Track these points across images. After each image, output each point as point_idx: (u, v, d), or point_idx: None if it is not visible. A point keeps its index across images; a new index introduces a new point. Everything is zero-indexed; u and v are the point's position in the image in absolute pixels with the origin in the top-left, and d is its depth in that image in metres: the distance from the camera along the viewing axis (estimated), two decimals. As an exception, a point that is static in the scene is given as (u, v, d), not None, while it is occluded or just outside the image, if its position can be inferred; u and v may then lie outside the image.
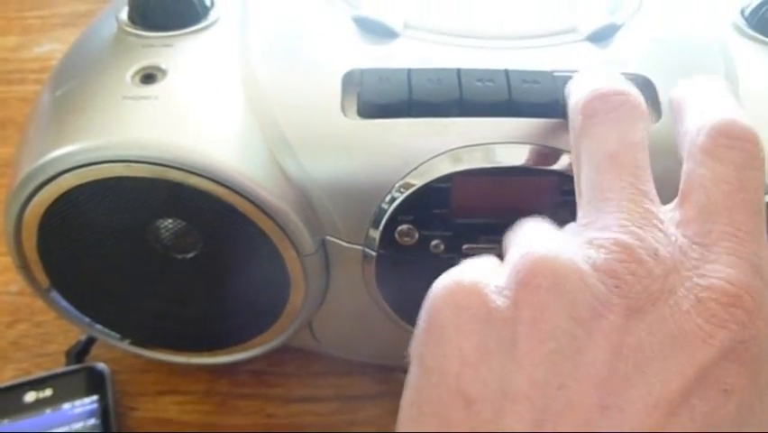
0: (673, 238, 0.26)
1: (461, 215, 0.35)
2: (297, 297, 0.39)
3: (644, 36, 0.39)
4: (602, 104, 0.29)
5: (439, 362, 0.26)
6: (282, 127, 0.35)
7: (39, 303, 0.42)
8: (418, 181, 0.34)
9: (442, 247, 0.36)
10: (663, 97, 0.36)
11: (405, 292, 0.38)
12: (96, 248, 0.39)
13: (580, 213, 0.27)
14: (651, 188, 0.27)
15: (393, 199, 0.35)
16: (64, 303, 0.41)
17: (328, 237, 0.37)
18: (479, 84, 0.35)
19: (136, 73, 0.36)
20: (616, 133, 0.28)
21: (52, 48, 0.70)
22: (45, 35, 0.68)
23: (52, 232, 0.37)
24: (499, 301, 0.26)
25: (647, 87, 0.36)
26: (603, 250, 0.25)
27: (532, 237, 0.28)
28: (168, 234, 0.39)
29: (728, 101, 0.29)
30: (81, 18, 0.73)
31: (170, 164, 0.34)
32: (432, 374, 0.26)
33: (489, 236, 0.36)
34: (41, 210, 0.36)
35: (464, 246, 0.36)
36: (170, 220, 0.38)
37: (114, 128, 0.34)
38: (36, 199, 0.35)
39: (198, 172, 0.34)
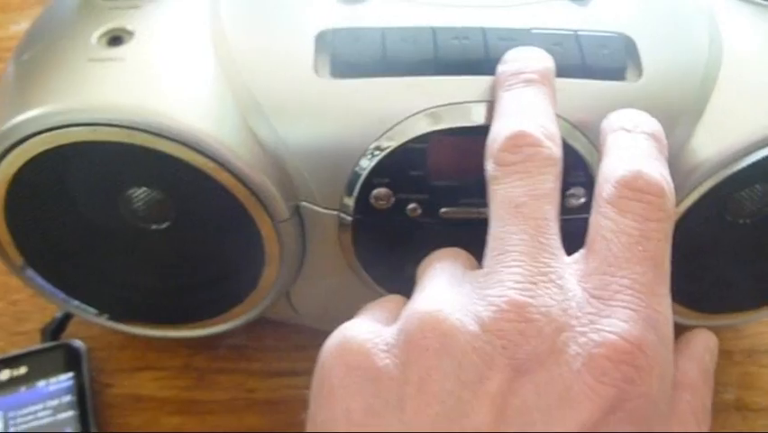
0: (571, 294, 0.25)
1: (437, 176, 0.34)
2: (272, 265, 0.38)
3: (626, -6, 0.38)
4: (513, 155, 0.29)
5: (328, 422, 0.26)
6: (254, 89, 0.34)
7: (14, 281, 0.41)
8: (393, 142, 0.33)
9: (419, 211, 0.35)
10: (645, 56, 0.35)
11: (383, 258, 0.38)
12: (68, 219, 0.38)
13: (483, 263, 0.27)
14: (555, 241, 0.27)
15: (368, 162, 0.34)
16: (39, 280, 0.40)
17: (303, 203, 0.36)
18: (454, 42, 0.34)
19: (102, 35, 0.35)
20: (523, 183, 0.28)
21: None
22: (23, 13, 0.66)
23: (21, 202, 0.36)
24: (388, 360, 0.26)
25: (628, 46, 0.36)
26: (493, 308, 0.25)
27: (429, 290, 0.28)
28: (140, 203, 0.38)
29: (644, 146, 0.29)
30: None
31: (139, 127, 0.33)
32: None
33: (467, 199, 0.35)
34: (9, 177, 0.35)
35: (442, 210, 0.35)
36: (142, 189, 0.38)
37: (79, 91, 0.33)
38: (3, 167, 0.34)
39: (167, 136, 0.33)
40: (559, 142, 0.30)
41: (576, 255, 0.27)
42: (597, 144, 0.34)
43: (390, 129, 0.33)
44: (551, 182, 0.28)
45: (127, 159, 0.34)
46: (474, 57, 0.34)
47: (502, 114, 0.31)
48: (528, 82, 0.32)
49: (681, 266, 0.38)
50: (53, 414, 0.41)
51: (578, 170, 0.34)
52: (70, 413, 0.42)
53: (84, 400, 0.42)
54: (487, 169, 0.30)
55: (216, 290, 0.41)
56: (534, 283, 0.25)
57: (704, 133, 0.35)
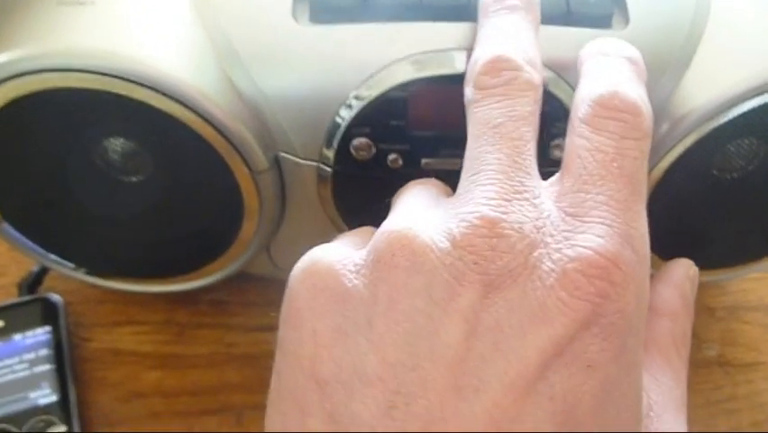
0: (546, 213, 0.25)
1: (418, 126, 0.34)
2: (251, 218, 0.37)
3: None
4: (493, 78, 0.28)
5: (295, 345, 0.26)
6: (231, 36, 0.33)
7: (-10, 235, 0.40)
8: (373, 91, 0.33)
9: (400, 162, 0.34)
10: (631, 4, 0.34)
11: (364, 210, 0.37)
12: (43, 170, 0.37)
13: (458, 184, 0.27)
14: (530, 162, 0.26)
15: (347, 111, 0.33)
16: (15, 233, 0.40)
17: (282, 153, 0.35)
18: (438, -13, 0.33)
19: (73, -22, 0.34)
20: (502, 105, 0.27)
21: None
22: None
23: (-7, 152, 0.35)
24: (357, 281, 0.25)
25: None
26: (465, 224, 0.24)
27: (401, 210, 0.28)
28: (116, 155, 0.38)
29: (621, 68, 0.29)
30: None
31: (112, 74, 0.32)
32: (288, 357, 0.26)
33: (450, 150, 0.34)
34: (-22, 127, 0.34)
35: (423, 161, 0.34)
36: (118, 140, 0.37)
37: (50, 36, 0.32)
38: (-28, 115, 0.34)
39: (142, 83, 0.32)
40: (540, 67, 0.29)
41: (552, 178, 0.27)
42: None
43: (371, 77, 0.33)
44: (530, 105, 0.27)
45: (101, 107, 0.33)
46: (458, 2, 0.33)
47: (483, 39, 0.30)
48: (511, 9, 0.31)
49: (665, 221, 0.38)
50: (29, 367, 0.41)
51: (562, 121, 0.33)
52: (47, 367, 0.41)
53: (61, 354, 0.42)
54: (466, 93, 0.29)
55: (196, 244, 0.40)
56: (508, 200, 0.25)
57: (691, 84, 0.34)
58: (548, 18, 0.33)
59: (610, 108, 0.26)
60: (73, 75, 0.32)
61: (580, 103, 0.27)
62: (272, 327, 0.44)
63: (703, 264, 0.42)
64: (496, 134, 0.26)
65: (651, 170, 0.36)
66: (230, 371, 0.43)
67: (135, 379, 0.43)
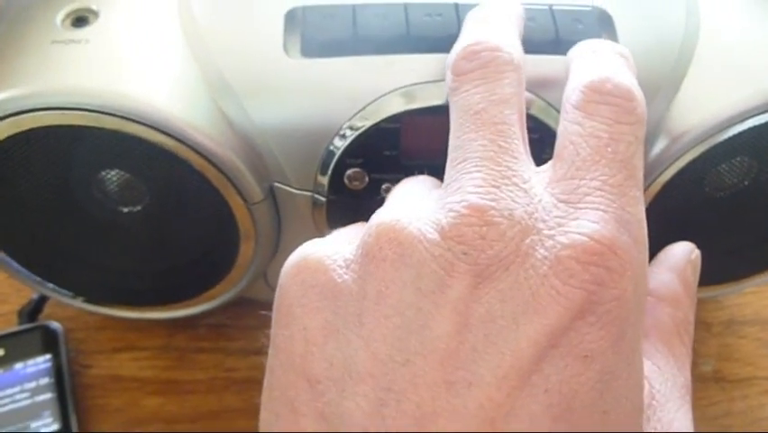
0: (537, 198, 0.24)
1: (411, 156, 0.34)
2: (247, 246, 0.38)
3: (601, -34, 0.37)
4: (470, 62, 0.27)
5: (286, 342, 0.25)
6: (223, 69, 0.33)
7: (-11, 263, 0.41)
8: (366, 122, 0.33)
9: (393, 190, 0.35)
10: (621, 31, 0.35)
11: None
12: (40, 202, 0.37)
13: (445, 174, 0.26)
14: (517, 145, 0.26)
15: (340, 142, 0.33)
16: (13, 263, 0.40)
17: (276, 184, 0.35)
18: (427, 18, 0.33)
19: (67, 16, 0.34)
20: (482, 89, 0.27)
21: None
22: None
23: (-9, 186, 0.36)
24: (347, 276, 0.25)
25: (604, 18, 0.35)
26: (453, 214, 0.24)
27: (392, 204, 0.27)
28: (113, 186, 0.38)
29: (612, 60, 0.28)
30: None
31: (106, 111, 0.32)
32: (280, 355, 0.25)
33: (442, 178, 0.34)
34: (-24, 164, 0.34)
35: (416, 189, 0.35)
36: (114, 171, 0.37)
37: (45, 75, 0.33)
38: (-31, 153, 0.34)
39: (136, 119, 0.33)
40: (519, 48, 0.28)
41: (544, 165, 0.26)
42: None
43: (363, 109, 0.33)
44: (511, 87, 0.27)
45: (97, 142, 0.34)
46: (447, 34, 0.33)
47: (460, 35, 0.30)
48: (490, 8, 0.31)
49: (660, 239, 0.38)
50: (31, 396, 0.42)
51: (552, 148, 0.34)
52: (48, 395, 0.42)
53: (62, 381, 0.42)
54: (446, 81, 0.29)
55: (193, 272, 0.40)
56: (497, 187, 0.24)
57: (682, 106, 0.35)
58: (537, 47, 0.33)
59: (603, 93, 0.26)
60: (68, 113, 0.32)
61: (572, 90, 0.27)
62: (271, 351, 0.45)
63: (699, 281, 0.42)
64: (477, 120, 0.26)
65: (644, 191, 0.36)
66: (230, 396, 0.44)
67: (136, 405, 0.43)
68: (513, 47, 0.28)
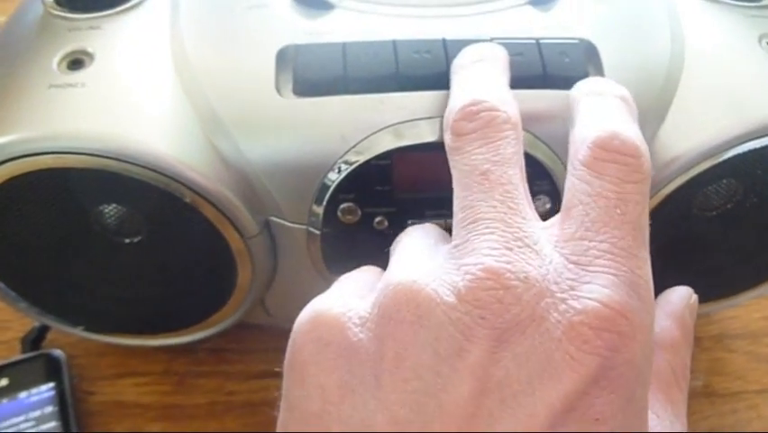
0: (548, 259, 0.25)
1: (403, 190, 0.35)
2: (244, 277, 0.38)
3: (588, -1, 0.38)
4: (470, 122, 0.28)
5: (301, 400, 0.25)
6: (216, 109, 0.34)
7: (-9, 291, 0.41)
8: (358, 159, 0.34)
9: (385, 223, 0.35)
10: (606, 62, 0.35)
11: (353, 268, 0.38)
12: (39, 238, 0.38)
13: (453, 234, 0.26)
14: (524, 205, 0.26)
15: (333, 178, 0.34)
16: (12, 295, 0.41)
17: (271, 218, 0.36)
18: (416, 56, 0.34)
19: (62, 59, 0.35)
20: (485, 149, 0.27)
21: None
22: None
23: (-9, 224, 0.36)
24: (362, 335, 0.25)
25: (590, 51, 0.36)
26: (469, 277, 0.24)
27: (403, 260, 0.27)
28: (112, 219, 0.38)
29: (616, 108, 0.29)
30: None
31: (102, 154, 0.33)
32: (295, 413, 0.25)
33: (433, 211, 0.35)
34: (-25, 204, 0.35)
35: (409, 221, 0.35)
36: (113, 206, 0.38)
37: (42, 119, 0.33)
38: (-32, 196, 0.34)
39: (132, 161, 0.33)
40: (515, 106, 0.29)
41: (552, 220, 0.26)
42: (560, 155, 0.34)
43: (354, 146, 0.33)
44: (512, 146, 0.27)
45: (94, 182, 0.34)
46: (436, 71, 0.34)
47: (455, 89, 0.31)
48: (479, 61, 0.31)
49: (651, 260, 0.39)
50: (36, 425, 0.42)
51: (542, 180, 0.34)
52: (53, 423, 0.42)
53: (66, 409, 0.43)
54: (445, 141, 0.29)
55: (190, 301, 0.41)
56: (510, 249, 0.24)
57: (668, 136, 0.35)
58: (525, 81, 0.33)
59: (611, 150, 0.26)
60: (66, 157, 0.33)
61: (580, 144, 0.27)
62: (271, 374, 0.45)
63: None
64: (485, 181, 0.26)
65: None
66: (230, 420, 0.44)
67: (139, 431, 0.44)
68: (509, 104, 0.28)
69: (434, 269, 0.25)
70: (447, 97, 0.33)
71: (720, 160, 0.35)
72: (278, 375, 0.44)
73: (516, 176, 0.27)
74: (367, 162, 0.34)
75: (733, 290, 0.43)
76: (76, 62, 0.35)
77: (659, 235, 0.38)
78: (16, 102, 0.34)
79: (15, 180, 0.34)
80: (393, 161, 0.34)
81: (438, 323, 0.23)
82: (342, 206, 0.35)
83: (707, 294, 0.43)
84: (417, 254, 0.28)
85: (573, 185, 0.26)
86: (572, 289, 0.24)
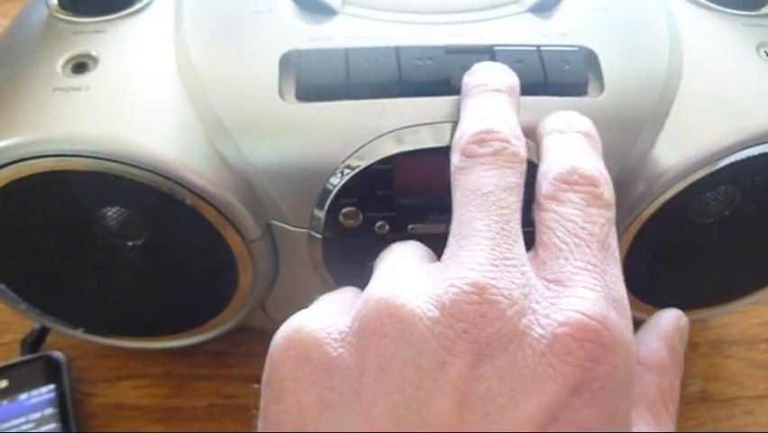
0: (532, 281, 0.25)
1: (404, 195, 0.35)
2: (246, 281, 0.38)
3: (588, 6, 0.38)
4: (481, 147, 0.29)
5: (279, 416, 0.25)
6: (220, 113, 0.34)
7: (-9, 294, 0.41)
8: (360, 164, 0.34)
9: (387, 228, 0.36)
10: (606, 70, 0.36)
11: (354, 272, 0.38)
12: (41, 240, 0.38)
13: (445, 248, 0.27)
14: (517, 230, 0.27)
15: (335, 182, 0.34)
16: (13, 296, 0.41)
17: (273, 221, 0.36)
18: (418, 62, 0.34)
19: (67, 62, 0.35)
20: (491, 174, 0.28)
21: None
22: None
23: (-7, 226, 0.37)
24: (342, 350, 0.25)
25: (590, 58, 0.36)
26: (454, 289, 0.24)
27: (385, 276, 0.28)
28: (113, 222, 0.39)
29: (578, 146, 0.30)
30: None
31: (106, 157, 0.33)
32: (273, 428, 0.26)
33: (434, 216, 0.35)
34: (-21, 207, 0.35)
35: (409, 226, 0.36)
36: (115, 209, 0.38)
37: (47, 122, 0.34)
38: (-29, 198, 0.35)
39: (135, 164, 0.33)
40: (525, 144, 0.30)
41: (529, 253, 0.27)
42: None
43: (356, 151, 0.34)
44: (516, 177, 0.28)
45: (97, 184, 0.35)
46: (438, 78, 0.34)
47: (469, 114, 0.31)
48: (495, 91, 0.32)
49: (648, 266, 0.39)
50: (36, 427, 0.42)
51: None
52: (53, 425, 0.42)
53: (66, 411, 0.43)
54: (452, 161, 0.30)
55: (192, 304, 0.41)
56: (497, 266, 0.25)
57: (666, 143, 0.36)
58: (526, 88, 0.34)
59: (571, 183, 0.27)
60: (69, 159, 0.33)
61: (542, 181, 0.28)
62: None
63: (686, 305, 0.43)
64: (485, 201, 0.27)
65: (631, 222, 0.37)
66: (229, 423, 0.44)
67: (139, 434, 0.44)
68: (520, 140, 0.29)
69: (417, 283, 0.26)
70: (449, 103, 0.34)
71: (718, 167, 0.35)
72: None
73: (515, 204, 0.27)
74: (369, 167, 0.34)
75: (730, 296, 0.44)
76: (80, 66, 0.35)
77: (657, 242, 0.39)
78: (20, 105, 0.34)
79: (18, 183, 0.34)
80: (395, 167, 0.34)
81: (421, 337, 0.24)
82: (343, 210, 0.35)
83: (704, 300, 0.44)
84: (400, 271, 0.28)
85: (541, 217, 0.27)
86: (554, 304, 0.24)
